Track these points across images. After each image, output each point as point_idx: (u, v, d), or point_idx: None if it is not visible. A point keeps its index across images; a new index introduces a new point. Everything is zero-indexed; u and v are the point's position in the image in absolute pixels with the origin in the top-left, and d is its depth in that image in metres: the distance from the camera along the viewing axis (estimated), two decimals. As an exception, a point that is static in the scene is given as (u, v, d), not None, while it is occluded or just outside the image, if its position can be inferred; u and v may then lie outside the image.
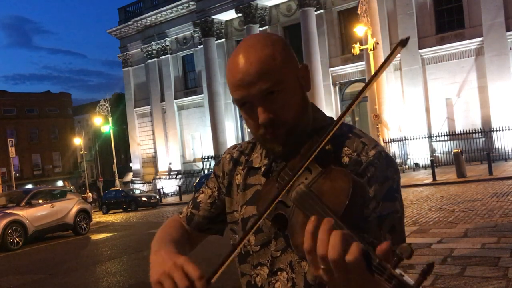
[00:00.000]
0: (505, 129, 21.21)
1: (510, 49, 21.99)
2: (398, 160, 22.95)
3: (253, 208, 1.10)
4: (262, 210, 0.88)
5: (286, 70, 0.99)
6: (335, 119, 1.14)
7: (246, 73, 0.97)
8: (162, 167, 36.71)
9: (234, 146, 1.25)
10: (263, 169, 1.09)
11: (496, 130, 21.56)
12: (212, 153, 31.73)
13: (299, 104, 1.02)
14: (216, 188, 1.23)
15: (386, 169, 1.00)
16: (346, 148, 1.02)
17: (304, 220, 0.83)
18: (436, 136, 23.37)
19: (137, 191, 29.85)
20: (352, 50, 20.97)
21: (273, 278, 1.04)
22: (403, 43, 0.85)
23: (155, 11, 35.81)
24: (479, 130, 22.33)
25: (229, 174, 1.20)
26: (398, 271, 0.65)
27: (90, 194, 38.88)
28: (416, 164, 23.18)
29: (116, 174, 39.16)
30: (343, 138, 1.04)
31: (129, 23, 38.04)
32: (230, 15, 30.95)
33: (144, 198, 26.96)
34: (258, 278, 1.07)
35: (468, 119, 22.94)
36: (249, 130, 1.12)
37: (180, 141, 36.00)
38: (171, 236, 1.13)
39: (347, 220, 0.76)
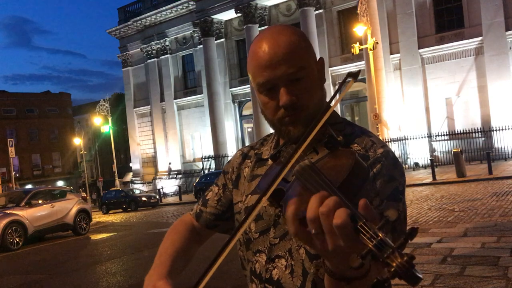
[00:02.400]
0: (505, 129, 21.22)
1: (510, 48, 21.99)
2: (398, 160, 22.94)
3: (256, 196, 1.11)
4: (270, 182, 0.88)
5: (310, 58, 1.03)
6: None
7: (274, 55, 1.00)
8: (162, 167, 36.70)
9: (247, 145, 1.30)
10: None
11: (496, 130, 21.56)
12: (212, 153, 31.72)
13: (319, 93, 1.05)
14: (223, 185, 1.26)
15: (393, 169, 1.02)
16: (355, 145, 1.05)
17: (301, 191, 0.84)
18: (436, 136, 23.37)
19: (137, 191, 29.86)
20: (352, 50, 20.97)
21: (271, 265, 1.05)
22: (354, 75, 0.87)
23: (154, 11, 35.80)
24: (479, 130, 22.33)
25: (238, 167, 1.23)
26: (382, 233, 0.66)
27: (84, 194, 38.77)
28: (416, 164, 23.18)
29: (116, 174, 39.16)
30: (353, 136, 1.07)
31: (129, 23, 38.03)
32: (229, 15, 30.94)
33: (144, 198, 26.96)
34: (257, 265, 1.08)
35: (467, 119, 22.94)
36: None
37: (180, 141, 36.00)
38: (173, 247, 1.19)
39: (343, 193, 0.77)
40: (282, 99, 1.01)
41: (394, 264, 0.62)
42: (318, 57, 1.07)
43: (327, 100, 0.99)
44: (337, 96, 0.89)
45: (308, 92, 1.02)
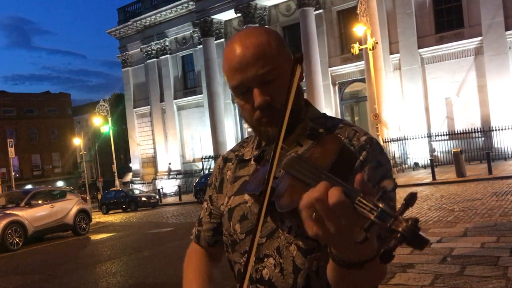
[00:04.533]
0: (505, 129, 21.21)
1: (510, 48, 21.99)
2: (397, 160, 22.95)
3: (239, 197, 1.11)
4: (262, 184, 0.88)
5: (281, 57, 1.03)
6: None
7: (243, 57, 1.01)
8: (162, 167, 36.70)
9: (227, 151, 1.29)
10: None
11: (496, 130, 21.56)
12: (211, 153, 31.71)
13: (294, 91, 1.05)
14: (209, 197, 1.25)
15: (379, 154, 1.03)
16: None
17: (291, 183, 0.84)
18: (435, 136, 23.36)
19: (136, 191, 29.85)
20: (352, 50, 20.98)
21: (260, 265, 1.05)
22: (298, 59, 0.88)
23: (154, 11, 35.80)
24: (479, 130, 22.32)
25: (220, 172, 1.23)
26: (382, 204, 0.65)
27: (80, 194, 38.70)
28: (416, 164, 23.18)
29: (116, 174, 39.16)
30: (334, 129, 1.07)
31: (129, 23, 38.02)
32: (229, 15, 30.94)
33: (143, 198, 26.95)
34: None
35: (467, 119, 22.94)
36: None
37: (179, 141, 36.00)
38: (197, 278, 1.20)
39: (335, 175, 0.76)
40: (256, 100, 1.01)
41: (400, 229, 0.61)
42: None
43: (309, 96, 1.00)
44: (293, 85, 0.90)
45: (283, 90, 0.99)
